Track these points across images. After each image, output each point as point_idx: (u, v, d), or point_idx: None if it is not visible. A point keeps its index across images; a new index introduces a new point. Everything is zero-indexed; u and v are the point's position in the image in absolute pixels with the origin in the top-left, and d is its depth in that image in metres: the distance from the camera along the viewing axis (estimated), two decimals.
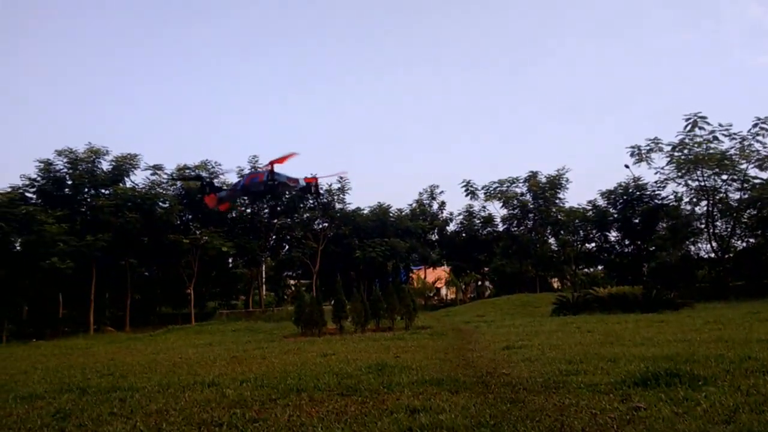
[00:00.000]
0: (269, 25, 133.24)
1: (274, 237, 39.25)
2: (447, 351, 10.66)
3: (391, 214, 42.18)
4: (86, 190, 30.90)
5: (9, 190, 29.21)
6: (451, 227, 45.77)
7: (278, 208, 37.62)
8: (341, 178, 38.39)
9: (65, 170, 30.46)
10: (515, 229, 42.07)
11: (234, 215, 36.53)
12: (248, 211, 36.38)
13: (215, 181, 30.63)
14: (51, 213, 27.75)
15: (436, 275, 47.36)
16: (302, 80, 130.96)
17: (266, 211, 37.52)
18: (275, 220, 38.07)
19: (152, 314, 37.26)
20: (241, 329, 21.16)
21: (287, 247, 39.84)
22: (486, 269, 46.57)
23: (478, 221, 43.88)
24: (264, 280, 41.83)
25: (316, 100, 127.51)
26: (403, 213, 43.68)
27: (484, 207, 43.24)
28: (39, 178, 30.34)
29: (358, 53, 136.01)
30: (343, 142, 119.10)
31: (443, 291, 54.06)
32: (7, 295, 27.40)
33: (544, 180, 40.51)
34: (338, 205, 39.41)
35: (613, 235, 40.39)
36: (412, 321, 17.45)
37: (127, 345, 18.43)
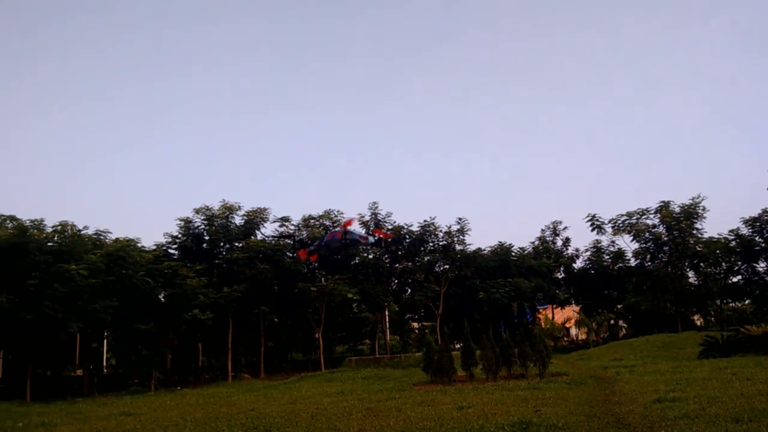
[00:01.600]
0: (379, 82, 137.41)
1: (396, 281, 39.49)
2: (591, 404, 10.07)
3: (513, 253, 41.22)
4: (222, 244, 32.93)
5: (154, 247, 31.82)
6: (578, 264, 43.97)
7: (399, 252, 37.97)
8: (461, 218, 38.35)
9: (203, 227, 32.76)
10: (649, 263, 39.60)
11: (357, 261, 37.29)
12: (370, 257, 37.01)
13: (337, 228, 32.55)
14: (191, 267, 29.82)
15: (565, 315, 45.37)
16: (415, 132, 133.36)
17: (387, 256, 37.99)
18: (397, 265, 38.39)
19: (284, 360, 38.57)
20: (371, 377, 21.26)
21: (409, 290, 39.90)
22: (619, 307, 44.10)
23: (607, 257, 41.82)
24: (388, 324, 42.15)
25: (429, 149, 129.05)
26: (526, 251, 42.55)
27: (612, 242, 41.27)
28: (180, 235, 32.87)
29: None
30: (456, 188, 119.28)
31: (573, 331, 51.72)
32: (155, 346, 29.46)
33: (677, 210, 38.03)
34: (458, 247, 39.12)
35: (761, 266, 36.96)
36: (546, 368, 16.72)
37: (264, 393, 19.05)
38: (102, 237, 29.13)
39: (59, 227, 27.08)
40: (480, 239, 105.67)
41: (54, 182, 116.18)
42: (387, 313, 40.53)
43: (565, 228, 45.19)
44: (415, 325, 45.85)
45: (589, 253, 42.76)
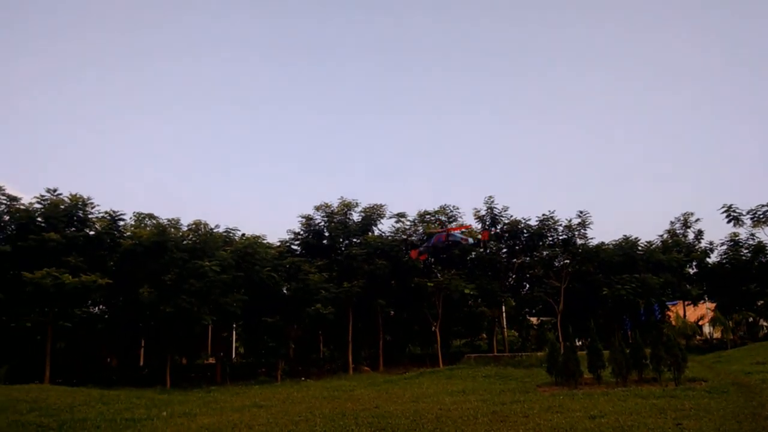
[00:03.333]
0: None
1: (513, 276, 38.69)
2: (739, 417, 9.27)
3: (639, 248, 38.99)
4: (341, 240, 33.92)
5: (278, 244, 33.33)
6: (712, 258, 40.85)
7: (517, 247, 37.16)
8: (582, 211, 36.96)
9: (323, 223, 33.95)
10: None
11: (473, 256, 36.93)
12: (487, 251, 36.50)
13: (453, 223, 33.10)
14: (313, 263, 30.94)
15: (698, 313, 42.32)
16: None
17: (504, 251, 37.30)
18: (514, 260, 37.62)
19: (402, 354, 39.00)
20: (491, 375, 20.97)
21: (527, 286, 38.92)
22: (759, 304, 40.51)
23: (746, 250, 38.55)
24: (505, 319, 41.42)
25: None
26: (653, 245, 40.11)
27: (752, 234, 38.02)
28: (302, 232, 34.25)
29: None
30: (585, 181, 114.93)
31: (706, 329, 48.31)
32: (280, 337, 30.82)
33: None
34: (579, 241, 37.64)
35: None
36: (682, 373, 15.66)
37: (386, 389, 19.34)
38: (231, 234, 30.80)
39: (193, 226, 28.94)
40: (602, 234, 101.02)
41: (196, 185, 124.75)
42: (504, 308, 39.83)
43: (697, 220, 42.15)
44: (534, 320, 44.67)
45: (725, 246, 39.65)
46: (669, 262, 38.18)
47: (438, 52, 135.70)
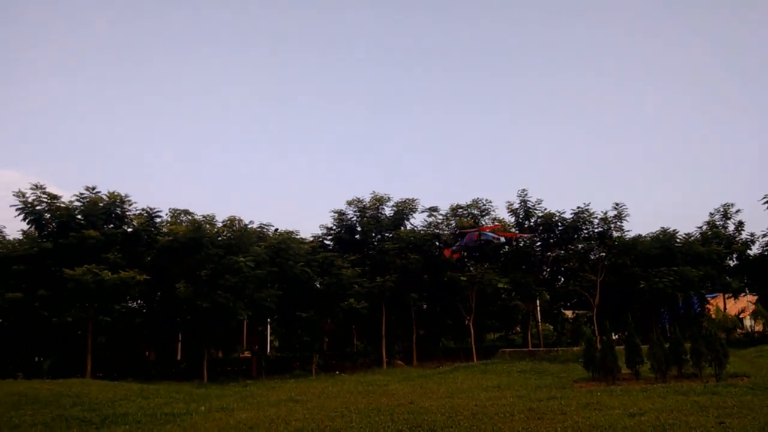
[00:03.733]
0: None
1: (548, 270, 38.22)
2: None
3: (677, 240, 38.16)
4: (373, 234, 33.94)
5: (311, 239, 33.54)
6: (754, 250, 39.77)
7: (551, 240, 36.68)
8: (618, 203, 36.39)
9: (355, 218, 34.03)
10: None
11: (507, 249, 36.58)
12: (521, 244, 36.11)
13: (486, 217, 32.96)
14: (346, 258, 31.09)
15: (739, 306, 41.24)
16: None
17: (539, 244, 36.86)
18: (549, 253, 37.17)
19: (436, 348, 38.94)
20: (527, 370, 20.77)
21: (562, 279, 38.42)
22: None
23: None
24: (540, 313, 41.04)
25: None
26: (692, 237, 39.21)
27: None
28: (334, 227, 34.41)
29: None
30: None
31: (747, 322, 47.12)
32: (314, 332, 31.06)
33: None
34: (615, 233, 36.97)
35: None
36: (723, 368, 15.28)
37: (420, 384, 19.31)
38: (265, 229, 31.10)
39: (228, 222, 29.29)
40: (639, 226, 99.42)
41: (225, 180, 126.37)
42: (538, 302, 39.45)
43: (738, 211, 40.98)
44: (569, 313, 44.12)
45: (767, 238, 38.61)
46: (709, 255, 37.31)
47: (442, 52, 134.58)
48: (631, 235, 37.40)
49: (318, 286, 31.25)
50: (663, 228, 38.62)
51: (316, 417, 11.52)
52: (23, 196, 25.26)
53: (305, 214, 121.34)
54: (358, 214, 33.99)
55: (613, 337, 42.47)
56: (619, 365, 16.18)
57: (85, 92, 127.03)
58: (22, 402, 14.21)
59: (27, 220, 25.63)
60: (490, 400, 13.04)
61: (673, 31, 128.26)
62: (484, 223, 34.80)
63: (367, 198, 34.21)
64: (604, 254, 36.95)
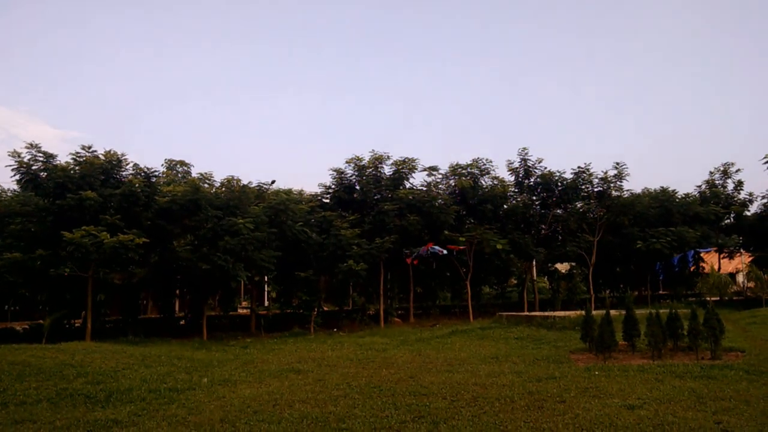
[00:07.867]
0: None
1: (545, 228, 38.38)
2: None
3: (676, 199, 38.21)
4: (372, 194, 33.82)
5: (309, 198, 33.43)
6: (752, 210, 39.92)
7: (550, 200, 36.67)
8: (618, 162, 36.29)
9: (354, 177, 33.80)
10: None
11: (506, 207, 36.51)
12: (521, 204, 36.05)
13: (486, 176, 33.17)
14: (345, 218, 31.07)
15: (734, 265, 41.60)
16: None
17: (537, 203, 36.88)
18: (546, 211, 37.30)
19: (433, 305, 39.49)
20: (524, 337, 21.07)
21: (560, 239, 38.61)
22: None
23: None
24: (536, 270, 41.53)
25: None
26: (691, 197, 39.25)
27: None
28: (333, 185, 34.26)
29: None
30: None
31: (739, 279, 47.73)
32: (313, 291, 31.35)
33: None
34: (615, 193, 36.95)
35: None
36: (718, 346, 15.46)
37: (418, 350, 19.56)
38: (263, 189, 30.95)
39: (226, 182, 29.10)
40: (639, 186, 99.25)
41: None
42: (534, 262, 39.87)
43: (738, 170, 40.95)
44: (560, 267, 44.11)
45: (765, 200, 38.70)
46: (707, 215, 37.53)
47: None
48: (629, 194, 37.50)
49: (316, 246, 31.40)
50: (662, 187, 38.72)
51: (319, 397, 11.68)
52: (18, 155, 24.90)
53: (306, 164, 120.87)
54: (357, 173, 33.79)
55: (606, 292, 43.07)
56: (616, 340, 16.34)
57: (77, 35, 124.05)
58: (25, 373, 14.33)
59: (23, 181, 25.30)
60: (490, 378, 13.25)
61: None
62: (483, 182, 34.99)
63: (366, 157, 34.03)
64: (602, 214, 37.07)
